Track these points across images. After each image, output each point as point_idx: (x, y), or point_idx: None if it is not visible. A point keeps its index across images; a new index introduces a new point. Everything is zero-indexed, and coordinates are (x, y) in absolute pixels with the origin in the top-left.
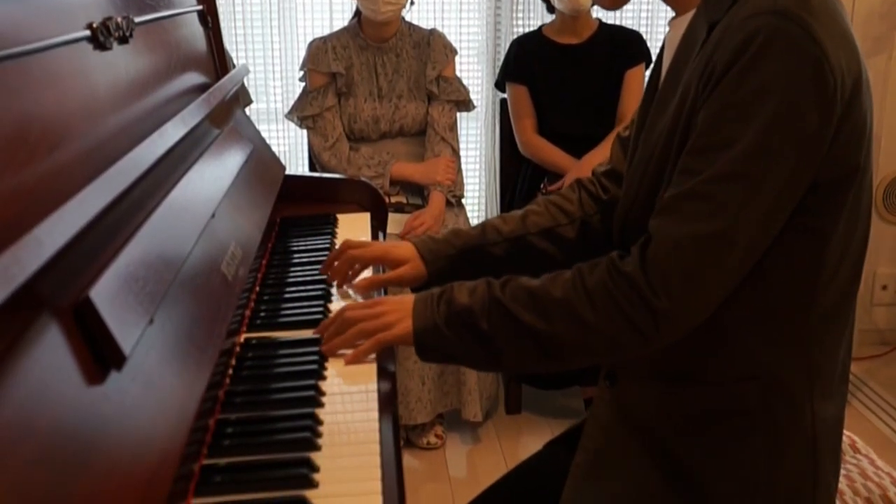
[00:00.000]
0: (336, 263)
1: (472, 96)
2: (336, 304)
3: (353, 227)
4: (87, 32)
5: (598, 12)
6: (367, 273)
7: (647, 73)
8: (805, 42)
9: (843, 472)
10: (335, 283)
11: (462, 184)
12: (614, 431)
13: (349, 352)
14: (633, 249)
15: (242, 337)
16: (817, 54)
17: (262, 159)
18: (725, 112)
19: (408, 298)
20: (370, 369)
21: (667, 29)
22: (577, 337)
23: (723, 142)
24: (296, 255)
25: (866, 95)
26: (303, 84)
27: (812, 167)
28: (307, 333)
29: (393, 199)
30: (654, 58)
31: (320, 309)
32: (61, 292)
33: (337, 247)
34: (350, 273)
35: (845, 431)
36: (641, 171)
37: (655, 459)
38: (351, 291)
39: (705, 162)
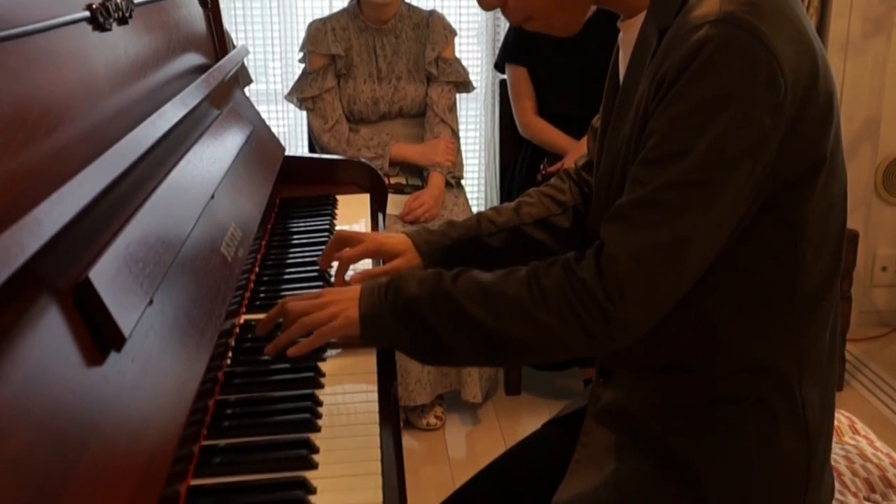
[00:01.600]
0: (329, 257)
1: (472, 77)
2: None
3: (352, 208)
4: (87, 13)
5: None
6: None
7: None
8: (755, 48)
9: (842, 452)
10: (333, 265)
11: (461, 165)
12: (610, 426)
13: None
14: (589, 255)
15: (242, 318)
16: (768, 59)
17: (261, 140)
18: (676, 122)
19: (353, 288)
20: (370, 350)
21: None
22: (527, 336)
23: (675, 152)
24: (295, 237)
25: (825, 84)
26: (302, 65)
27: (765, 168)
28: None
29: (392, 181)
30: None
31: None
32: (61, 273)
33: (336, 228)
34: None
35: (844, 412)
36: (608, 181)
37: (650, 451)
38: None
39: (657, 172)
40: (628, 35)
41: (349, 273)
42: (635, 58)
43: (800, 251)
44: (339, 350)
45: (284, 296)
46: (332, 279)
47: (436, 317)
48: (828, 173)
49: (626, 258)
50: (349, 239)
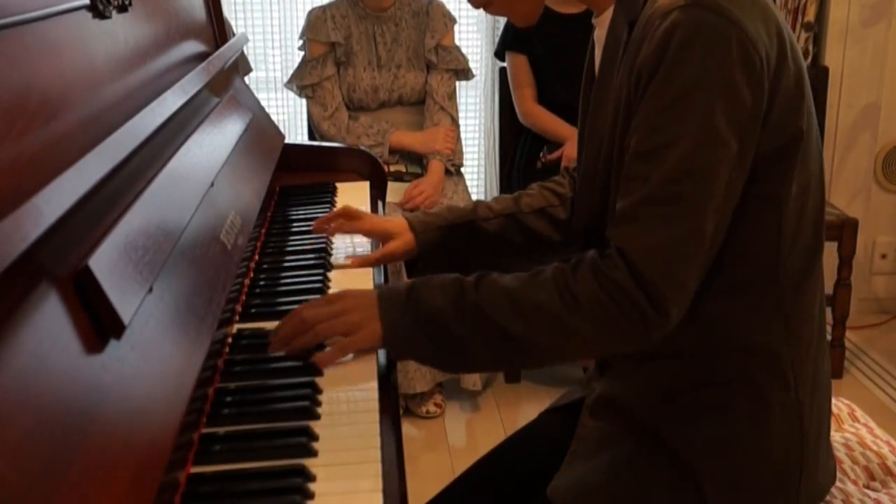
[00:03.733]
0: (332, 225)
1: (472, 65)
2: (334, 275)
3: (352, 195)
4: (87, 1)
5: None
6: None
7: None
8: (724, 28)
9: (841, 440)
10: (333, 253)
11: (461, 153)
12: (604, 417)
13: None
14: (614, 257)
15: (241, 305)
16: (740, 38)
17: (261, 128)
18: (662, 112)
19: (370, 294)
20: None
21: None
22: (558, 343)
23: (667, 141)
24: (295, 224)
25: (792, 60)
26: (302, 53)
27: (754, 144)
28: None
29: (392, 168)
30: None
31: (320, 277)
32: (61, 261)
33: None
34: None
35: (844, 400)
36: (592, 172)
37: (643, 438)
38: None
39: (654, 164)
40: (601, 31)
41: (346, 257)
42: (608, 52)
43: (781, 229)
44: (350, 357)
45: (284, 283)
46: (334, 260)
47: (461, 328)
48: (804, 150)
49: (652, 259)
50: (352, 214)
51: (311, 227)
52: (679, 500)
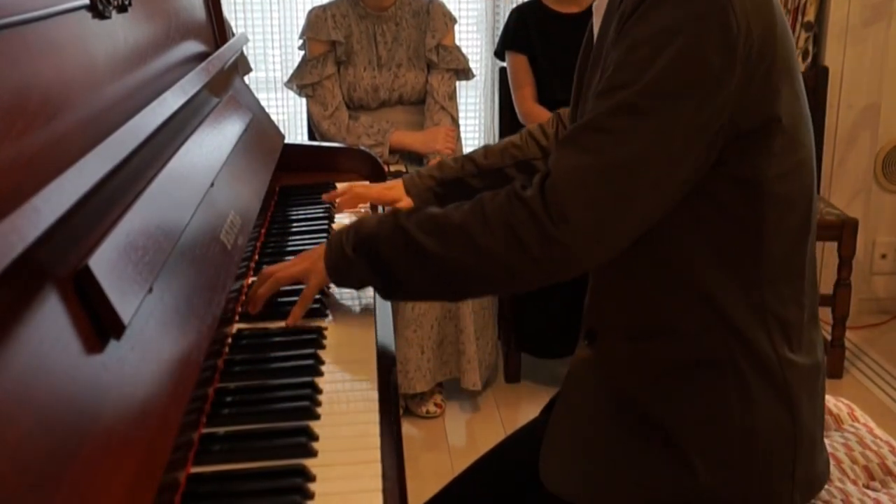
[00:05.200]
0: (341, 199)
1: (472, 65)
2: None
3: None
4: (86, 1)
5: None
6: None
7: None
8: None
9: (841, 440)
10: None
11: (462, 152)
12: (591, 387)
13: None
14: (535, 178)
15: (241, 305)
16: (723, 2)
17: (261, 128)
18: (627, 54)
19: (324, 246)
20: (370, 338)
21: None
22: (472, 262)
23: (623, 81)
24: (295, 224)
25: (782, 47)
26: (302, 52)
27: (717, 110)
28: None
29: (392, 168)
30: None
31: None
32: (60, 261)
33: (336, 217)
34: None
35: (844, 400)
36: None
37: (629, 414)
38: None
39: (607, 98)
40: (601, 3)
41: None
42: (606, 16)
43: (762, 213)
44: (329, 317)
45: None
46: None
47: (390, 249)
48: (788, 139)
49: (569, 178)
50: (361, 197)
51: (310, 227)
52: (671, 477)
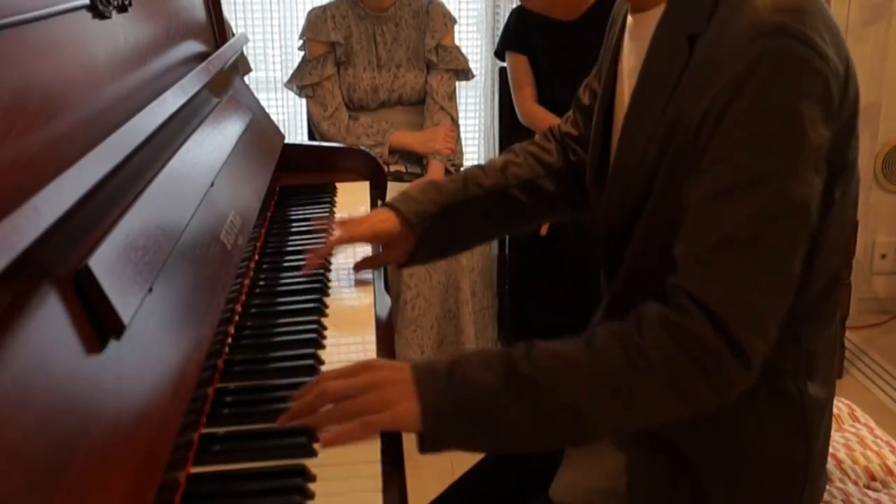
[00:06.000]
0: (314, 253)
1: (472, 65)
2: (334, 275)
3: (352, 195)
4: (86, 1)
5: None
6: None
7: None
8: (811, 60)
9: (841, 440)
10: (333, 253)
11: (461, 153)
12: None
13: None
14: (687, 306)
15: (241, 305)
16: (823, 69)
17: (261, 128)
18: (743, 151)
19: (403, 368)
20: (370, 338)
21: None
22: (629, 413)
23: (749, 181)
24: (295, 224)
25: (854, 88)
26: (302, 53)
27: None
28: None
29: (392, 168)
30: None
31: (319, 278)
32: (60, 261)
33: (336, 216)
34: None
35: (844, 400)
36: (627, 181)
37: (645, 438)
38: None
39: (734, 205)
40: (641, 30)
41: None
42: (658, 60)
43: (814, 253)
44: (329, 317)
45: (284, 284)
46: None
47: (516, 407)
48: (848, 177)
49: (737, 307)
50: (344, 240)
51: (310, 227)
52: (686, 501)
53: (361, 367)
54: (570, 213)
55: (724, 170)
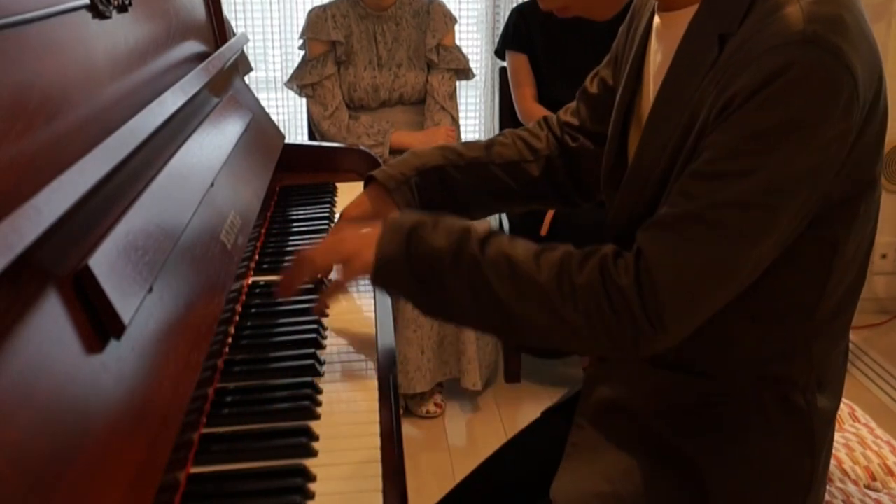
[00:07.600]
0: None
1: (472, 65)
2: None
3: (352, 195)
4: (87, 1)
5: None
6: None
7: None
8: (839, 73)
9: (842, 441)
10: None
11: None
12: (607, 412)
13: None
14: (628, 259)
15: (241, 305)
16: (850, 86)
17: (261, 128)
18: (746, 141)
19: (375, 231)
20: (370, 338)
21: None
22: (544, 323)
23: (740, 170)
24: (295, 224)
25: (882, 102)
26: (302, 52)
27: (819, 193)
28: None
29: None
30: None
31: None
32: (60, 261)
33: (336, 216)
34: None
35: (844, 400)
36: (643, 179)
37: (649, 445)
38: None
39: (715, 188)
40: (670, 30)
41: None
42: (688, 58)
43: (831, 269)
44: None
45: None
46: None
47: (455, 279)
48: (871, 195)
49: (671, 274)
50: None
51: (310, 227)
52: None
53: (336, 227)
54: (562, 206)
55: (719, 153)
